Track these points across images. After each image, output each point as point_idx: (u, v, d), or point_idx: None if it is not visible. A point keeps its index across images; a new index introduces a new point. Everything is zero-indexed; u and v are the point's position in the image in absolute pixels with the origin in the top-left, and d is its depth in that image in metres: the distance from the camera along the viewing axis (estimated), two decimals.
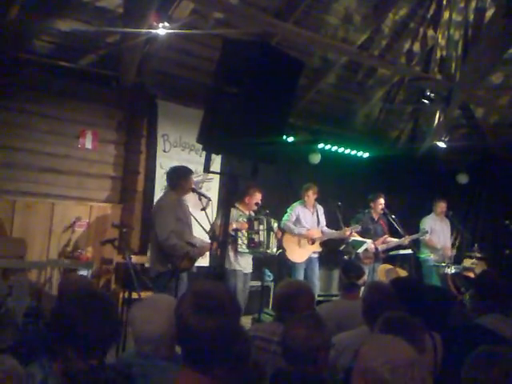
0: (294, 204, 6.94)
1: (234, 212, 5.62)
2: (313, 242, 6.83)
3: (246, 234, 5.71)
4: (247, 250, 5.77)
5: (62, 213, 6.01)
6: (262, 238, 5.73)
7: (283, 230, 6.72)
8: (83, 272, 5.53)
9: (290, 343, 2.30)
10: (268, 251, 5.82)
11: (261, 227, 5.75)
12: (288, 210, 6.92)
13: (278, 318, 2.96)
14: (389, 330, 2.31)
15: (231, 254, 5.67)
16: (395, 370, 1.68)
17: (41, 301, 5.06)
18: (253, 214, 5.94)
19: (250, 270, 6.01)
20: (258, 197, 5.87)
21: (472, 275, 6.90)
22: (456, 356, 2.71)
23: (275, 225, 5.95)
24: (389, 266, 7.53)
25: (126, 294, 4.68)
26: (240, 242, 5.67)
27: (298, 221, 6.83)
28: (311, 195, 6.85)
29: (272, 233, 5.83)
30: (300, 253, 6.74)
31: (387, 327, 2.38)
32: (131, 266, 4.43)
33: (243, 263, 5.82)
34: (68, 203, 6.08)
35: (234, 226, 5.64)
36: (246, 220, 5.75)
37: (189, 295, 1.60)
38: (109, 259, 6.17)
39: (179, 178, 5.11)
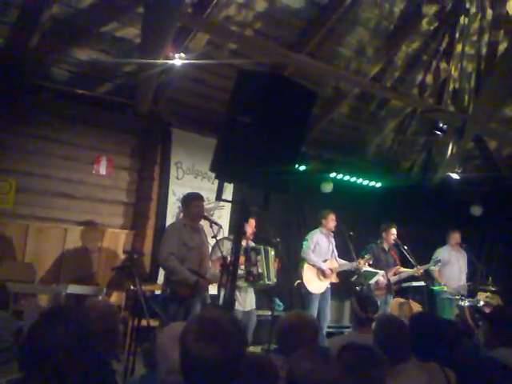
0: (312, 232, 6.82)
1: (228, 244, 5.41)
2: (331, 272, 6.73)
3: (243, 268, 5.40)
4: (246, 285, 5.58)
5: (74, 238, 6.04)
6: (260, 270, 5.50)
7: (302, 259, 6.63)
8: (94, 298, 5.50)
9: (295, 378, 2.23)
10: (269, 282, 5.62)
11: (258, 258, 5.50)
12: (307, 237, 6.79)
13: (279, 352, 2.88)
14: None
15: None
16: None
17: None
18: (252, 244, 5.76)
19: (253, 307, 5.78)
20: (252, 224, 5.68)
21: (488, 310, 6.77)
22: None
23: (272, 253, 5.74)
24: (402, 300, 7.43)
25: (136, 321, 4.66)
26: (238, 276, 5.42)
27: (315, 249, 6.71)
28: (330, 221, 6.75)
29: (269, 262, 5.64)
30: (319, 284, 6.62)
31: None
32: (141, 293, 4.40)
33: (242, 300, 5.59)
34: (81, 229, 6.12)
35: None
36: (241, 252, 5.28)
37: (194, 322, 1.58)
38: (119, 285, 6.15)
39: (186, 202, 5.18)
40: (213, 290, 5.52)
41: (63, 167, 6.05)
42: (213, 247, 5.42)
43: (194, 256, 5.00)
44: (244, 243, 5.53)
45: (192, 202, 5.12)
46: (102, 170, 6.28)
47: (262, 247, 5.66)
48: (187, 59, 4.96)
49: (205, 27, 5.23)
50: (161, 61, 4.78)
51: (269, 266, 5.65)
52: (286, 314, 3.19)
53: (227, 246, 5.34)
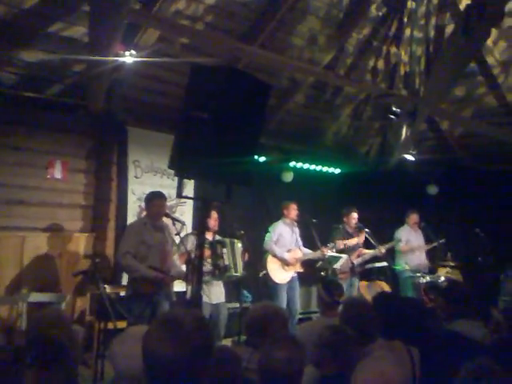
0: (275, 223, 6.88)
1: (193, 238, 5.42)
2: (295, 261, 6.80)
3: (209, 261, 5.44)
4: (213, 278, 5.58)
5: (33, 245, 5.87)
6: (227, 262, 5.54)
7: (265, 250, 6.70)
8: (56, 305, 5.39)
9: (268, 367, 2.25)
10: (236, 274, 5.67)
11: (224, 250, 5.54)
12: (269, 229, 6.84)
13: (248, 343, 2.90)
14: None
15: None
16: None
17: (12, 337, 4.93)
18: (218, 237, 5.76)
19: (222, 300, 5.77)
20: (214, 217, 5.68)
21: None
22: (432, 365, 2.75)
23: (239, 245, 5.78)
24: (368, 282, 7.59)
25: (102, 325, 4.60)
26: (204, 269, 5.35)
27: (279, 240, 6.77)
28: (292, 211, 6.81)
29: (236, 254, 5.69)
30: (284, 274, 6.68)
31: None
32: (105, 297, 4.35)
33: (210, 293, 5.58)
34: (39, 235, 5.96)
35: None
36: (207, 246, 5.34)
37: (156, 324, 1.56)
38: (82, 290, 6.04)
39: (146, 201, 5.21)
40: (180, 287, 5.53)
41: (17, 174, 5.87)
42: (178, 244, 5.40)
43: (155, 254, 5.00)
44: (210, 237, 5.55)
45: (151, 201, 5.15)
46: (57, 174, 6.13)
47: (227, 240, 5.68)
48: (138, 56, 4.87)
49: (154, 23, 5.15)
50: (111, 58, 4.68)
51: (236, 258, 5.68)
52: (254, 305, 3.21)
53: (193, 242, 5.32)
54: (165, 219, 5.27)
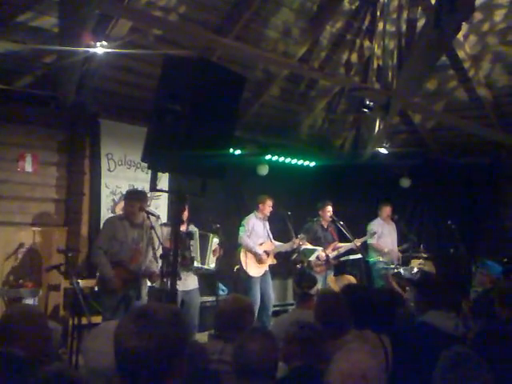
0: (248, 216, 6.89)
1: (164, 230, 5.42)
2: (268, 255, 6.83)
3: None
4: (180, 268, 5.60)
5: (4, 239, 5.76)
6: (194, 254, 5.54)
7: (239, 245, 6.70)
8: (29, 300, 5.31)
9: (244, 359, 2.27)
10: (204, 266, 5.68)
11: (192, 242, 5.54)
12: (243, 223, 6.85)
13: (217, 336, 2.90)
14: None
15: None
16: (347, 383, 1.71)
17: None
18: (195, 228, 5.76)
19: (195, 286, 5.73)
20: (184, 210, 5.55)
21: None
22: (404, 355, 2.80)
23: (214, 240, 5.79)
24: (339, 275, 7.68)
25: (76, 320, 4.55)
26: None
27: (252, 233, 6.77)
28: (267, 207, 6.82)
29: (208, 247, 5.70)
30: (258, 267, 6.71)
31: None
32: (79, 291, 4.30)
33: (183, 280, 5.48)
34: (10, 229, 5.84)
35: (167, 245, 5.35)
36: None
37: (128, 317, 1.55)
38: (56, 285, 5.96)
39: (124, 199, 5.25)
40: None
41: None
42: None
43: (127, 251, 5.01)
44: (183, 229, 5.50)
45: (125, 200, 5.22)
46: (28, 167, 6.01)
47: (197, 231, 5.66)
48: (110, 47, 4.80)
49: (126, 14, 5.07)
50: (81, 49, 4.60)
51: (206, 251, 5.69)
52: (224, 298, 3.22)
53: (164, 233, 5.31)
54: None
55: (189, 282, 5.65)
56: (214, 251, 5.82)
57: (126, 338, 1.46)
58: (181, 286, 5.36)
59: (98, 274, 5.11)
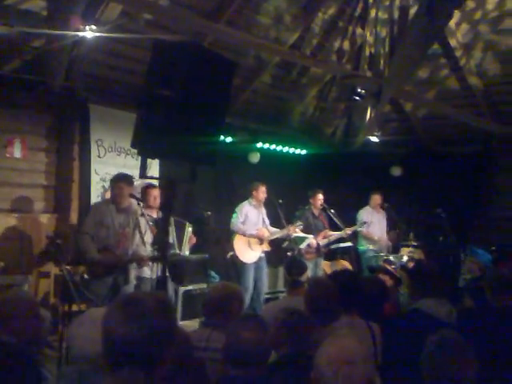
0: (242, 204, 6.89)
1: (142, 219, 5.32)
2: (262, 241, 6.84)
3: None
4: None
5: None
6: (171, 240, 5.53)
7: (232, 231, 6.71)
8: (20, 287, 5.29)
9: (236, 348, 2.25)
10: (180, 253, 5.70)
11: (170, 229, 5.43)
12: (236, 209, 6.85)
13: (206, 324, 2.91)
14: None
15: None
16: (334, 367, 1.72)
17: None
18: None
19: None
20: (154, 193, 5.53)
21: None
22: (398, 342, 2.82)
23: (189, 229, 5.83)
24: (333, 261, 7.71)
25: (66, 307, 4.54)
26: (149, 247, 5.29)
27: (245, 221, 6.79)
28: (261, 193, 6.83)
29: (184, 235, 5.73)
30: (251, 254, 6.72)
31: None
32: (69, 278, 4.28)
33: (155, 268, 5.45)
34: None
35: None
36: (153, 223, 5.29)
37: (116, 305, 1.54)
38: (46, 272, 5.93)
39: (109, 183, 5.22)
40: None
41: None
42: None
43: (113, 236, 5.00)
44: (154, 215, 5.50)
45: (112, 183, 5.17)
46: (17, 153, 5.94)
47: (172, 219, 5.63)
48: (100, 31, 4.73)
49: None
50: (70, 33, 4.52)
51: (182, 238, 5.72)
52: (213, 285, 3.21)
53: (143, 221, 5.28)
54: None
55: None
56: (190, 239, 5.85)
57: (114, 326, 1.46)
58: (152, 273, 5.25)
59: (85, 258, 5.03)
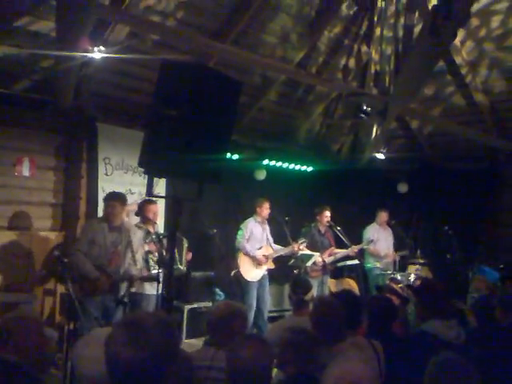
0: (247, 220, 6.91)
1: (139, 233, 5.38)
2: (266, 259, 6.82)
3: (156, 254, 5.34)
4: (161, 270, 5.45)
5: (1, 244, 5.74)
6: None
7: (237, 249, 6.71)
8: (25, 305, 5.29)
9: (237, 367, 2.24)
10: (180, 267, 5.74)
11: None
12: (241, 226, 6.87)
13: (210, 343, 2.89)
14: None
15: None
16: None
17: None
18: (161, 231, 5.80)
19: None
20: (153, 209, 5.53)
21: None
22: (403, 365, 2.79)
23: (185, 245, 5.87)
24: (339, 279, 7.67)
25: (72, 326, 4.52)
26: (152, 263, 5.30)
27: (250, 237, 6.79)
28: (265, 210, 6.84)
29: (182, 249, 5.77)
30: (255, 272, 6.72)
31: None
32: (74, 297, 4.28)
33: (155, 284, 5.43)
34: (7, 233, 5.83)
35: (147, 248, 5.36)
36: (153, 238, 5.28)
37: (118, 326, 1.54)
38: (51, 290, 5.94)
39: (104, 201, 5.26)
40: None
41: None
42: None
43: (105, 254, 5.03)
44: (152, 230, 5.50)
45: (105, 202, 5.24)
46: (26, 172, 6.01)
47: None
48: (108, 52, 4.80)
49: (124, 19, 5.07)
50: (79, 54, 4.59)
51: (181, 252, 5.78)
52: (216, 304, 3.20)
53: (138, 236, 5.31)
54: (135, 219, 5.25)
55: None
56: (187, 254, 5.87)
57: (117, 347, 1.46)
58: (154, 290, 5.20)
59: (77, 274, 4.98)
